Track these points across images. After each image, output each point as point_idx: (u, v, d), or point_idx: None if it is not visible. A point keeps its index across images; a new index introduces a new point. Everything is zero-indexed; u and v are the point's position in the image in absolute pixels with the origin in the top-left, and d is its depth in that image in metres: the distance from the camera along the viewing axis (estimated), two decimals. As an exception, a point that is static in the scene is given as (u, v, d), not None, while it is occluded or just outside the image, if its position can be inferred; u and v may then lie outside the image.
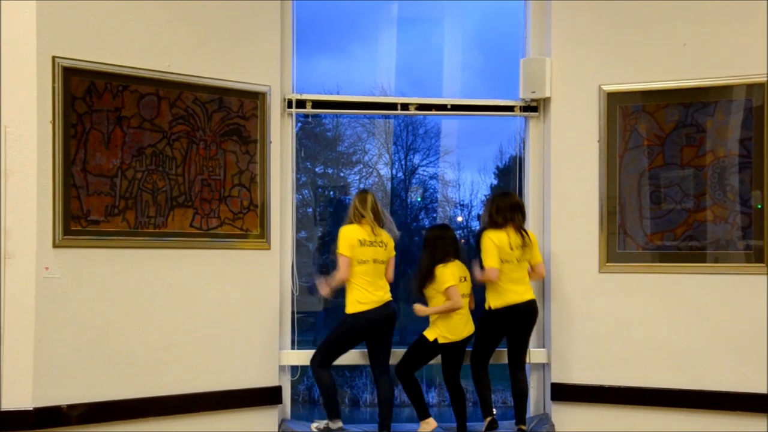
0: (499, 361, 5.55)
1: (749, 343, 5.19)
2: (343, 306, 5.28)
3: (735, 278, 5.25)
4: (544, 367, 5.75)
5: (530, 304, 5.34)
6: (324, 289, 5.29)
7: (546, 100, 5.74)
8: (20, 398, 4.49)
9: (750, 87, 5.24)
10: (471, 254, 5.55)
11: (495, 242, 5.27)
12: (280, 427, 5.43)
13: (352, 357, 5.54)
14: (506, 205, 5.39)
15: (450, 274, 5.28)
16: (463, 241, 6.36)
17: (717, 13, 5.33)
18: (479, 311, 5.43)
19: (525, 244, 5.33)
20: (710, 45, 5.33)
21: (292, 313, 5.67)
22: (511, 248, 5.30)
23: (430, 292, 5.34)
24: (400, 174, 6.91)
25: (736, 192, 5.26)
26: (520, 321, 5.35)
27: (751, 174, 5.22)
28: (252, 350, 5.36)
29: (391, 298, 5.27)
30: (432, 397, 7.67)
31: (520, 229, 5.35)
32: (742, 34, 5.27)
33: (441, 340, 5.29)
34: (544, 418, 5.58)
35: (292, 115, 5.70)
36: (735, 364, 5.22)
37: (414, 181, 6.98)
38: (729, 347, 5.25)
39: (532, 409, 5.78)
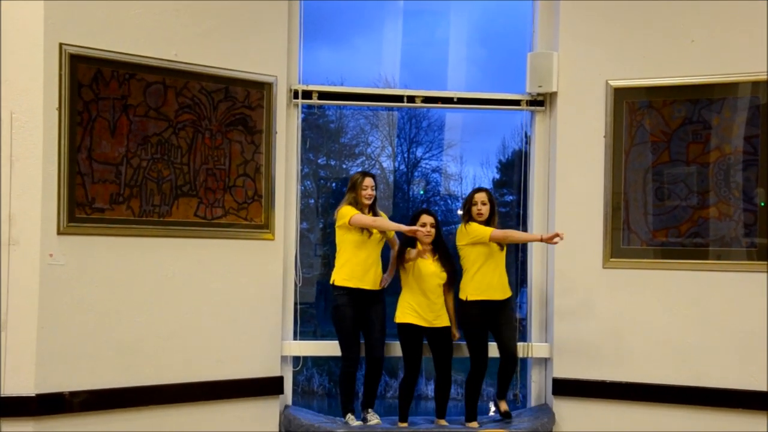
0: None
1: (752, 340, 5.20)
2: None
3: (738, 275, 5.25)
4: (546, 361, 5.76)
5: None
6: None
7: (552, 95, 5.74)
8: (23, 384, 4.50)
9: (756, 84, 5.24)
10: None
11: None
12: (282, 413, 5.44)
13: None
14: None
15: None
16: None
17: (724, 11, 5.33)
18: None
19: None
20: (718, 42, 5.33)
21: (295, 303, 5.66)
22: None
23: None
24: (402, 167, 6.88)
25: (741, 189, 5.26)
26: None
27: (757, 172, 5.22)
28: (255, 340, 5.36)
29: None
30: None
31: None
32: (749, 31, 5.27)
33: None
34: (545, 408, 5.60)
35: (298, 105, 5.68)
36: (737, 361, 5.22)
37: (416, 174, 6.94)
38: (731, 344, 5.25)
39: (533, 403, 5.80)
